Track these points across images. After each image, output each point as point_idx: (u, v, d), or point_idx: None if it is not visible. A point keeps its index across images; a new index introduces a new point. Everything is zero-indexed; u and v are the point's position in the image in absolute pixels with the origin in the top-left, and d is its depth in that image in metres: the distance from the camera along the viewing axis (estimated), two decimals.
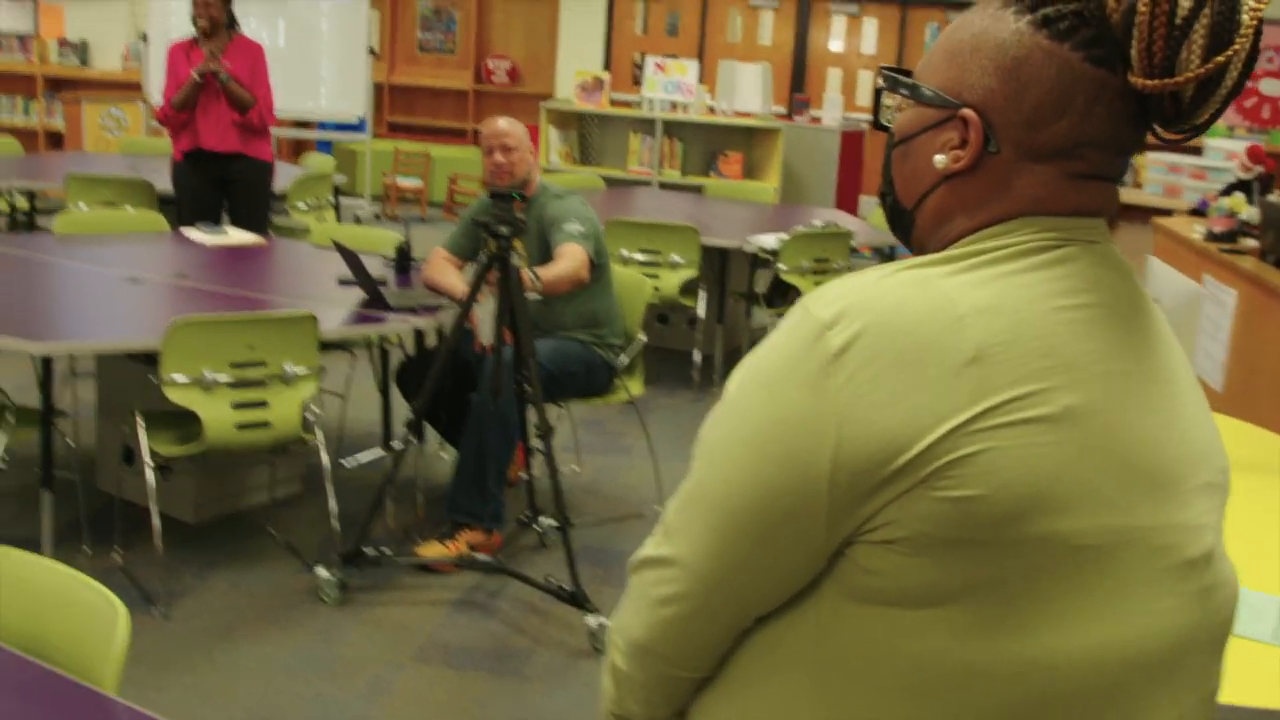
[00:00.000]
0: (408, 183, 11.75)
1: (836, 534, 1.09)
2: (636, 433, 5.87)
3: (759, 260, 6.61)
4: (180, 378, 3.75)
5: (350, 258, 4.46)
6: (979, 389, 1.06)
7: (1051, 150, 1.15)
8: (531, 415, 4.17)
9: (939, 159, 1.20)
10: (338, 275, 4.74)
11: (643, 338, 4.86)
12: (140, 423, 3.87)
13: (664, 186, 9.74)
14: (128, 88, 10.88)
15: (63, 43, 11.55)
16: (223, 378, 3.80)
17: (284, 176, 7.48)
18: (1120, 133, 1.16)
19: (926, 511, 1.05)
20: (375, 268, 4.93)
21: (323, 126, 11.89)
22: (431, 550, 4.24)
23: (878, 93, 1.32)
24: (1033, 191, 1.16)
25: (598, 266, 4.55)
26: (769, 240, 6.35)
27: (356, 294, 4.51)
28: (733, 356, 6.95)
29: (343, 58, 10.65)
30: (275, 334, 3.88)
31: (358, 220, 10.99)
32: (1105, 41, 1.12)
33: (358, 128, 11.29)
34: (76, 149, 9.94)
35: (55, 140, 11.22)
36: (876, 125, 1.34)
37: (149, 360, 3.84)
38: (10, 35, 11.78)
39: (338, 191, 7.65)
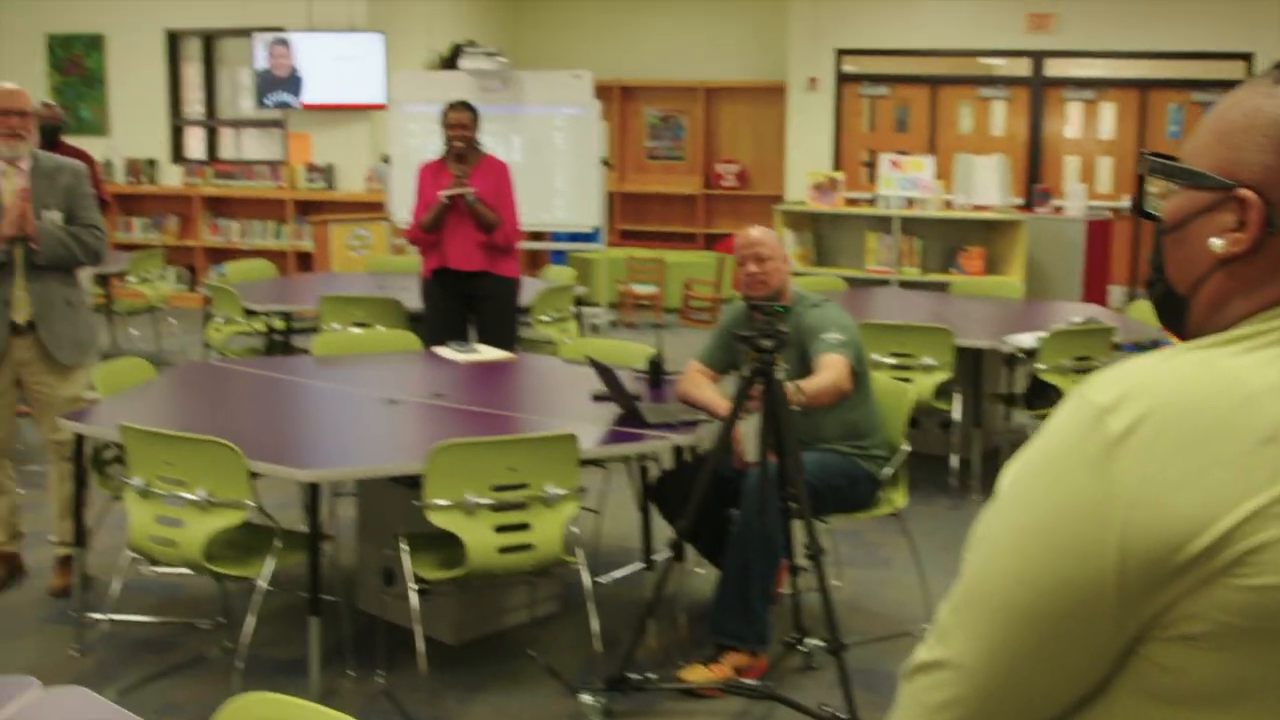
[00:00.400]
0: (643, 289, 11.80)
1: (1127, 628, 1.03)
2: (895, 543, 5.63)
3: (1014, 360, 6.33)
4: (443, 501, 3.72)
5: (606, 374, 4.40)
6: (1278, 469, 0.99)
7: None
8: (799, 532, 4.00)
9: (1215, 242, 1.14)
10: (591, 390, 4.68)
11: (907, 447, 4.65)
12: (404, 546, 3.85)
13: (904, 285, 9.53)
14: (371, 208, 11.23)
15: (310, 167, 12.03)
16: (484, 500, 3.75)
17: (527, 290, 7.55)
18: None
19: (1228, 602, 0.98)
20: (627, 381, 4.87)
21: (556, 237, 12.07)
22: (696, 674, 4.09)
23: (1140, 179, 1.26)
24: None
25: (858, 375, 4.38)
26: (1026, 339, 6.08)
27: (612, 410, 4.44)
28: (991, 461, 6.65)
29: (576, 169, 10.79)
30: (536, 455, 3.82)
31: (595, 329, 11.06)
32: None
33: (590, 237, 11.41)
34: (325, 269, 10.27)
35: (304, 261, 11.65)
36: (1140, 213, 1.27)
37: (410, 482, 3.82)
38: (263, 163, 12.34)
39: (579, 302, 7.67)
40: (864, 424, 4.49)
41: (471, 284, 6.52)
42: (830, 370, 4.15)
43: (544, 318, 7.17)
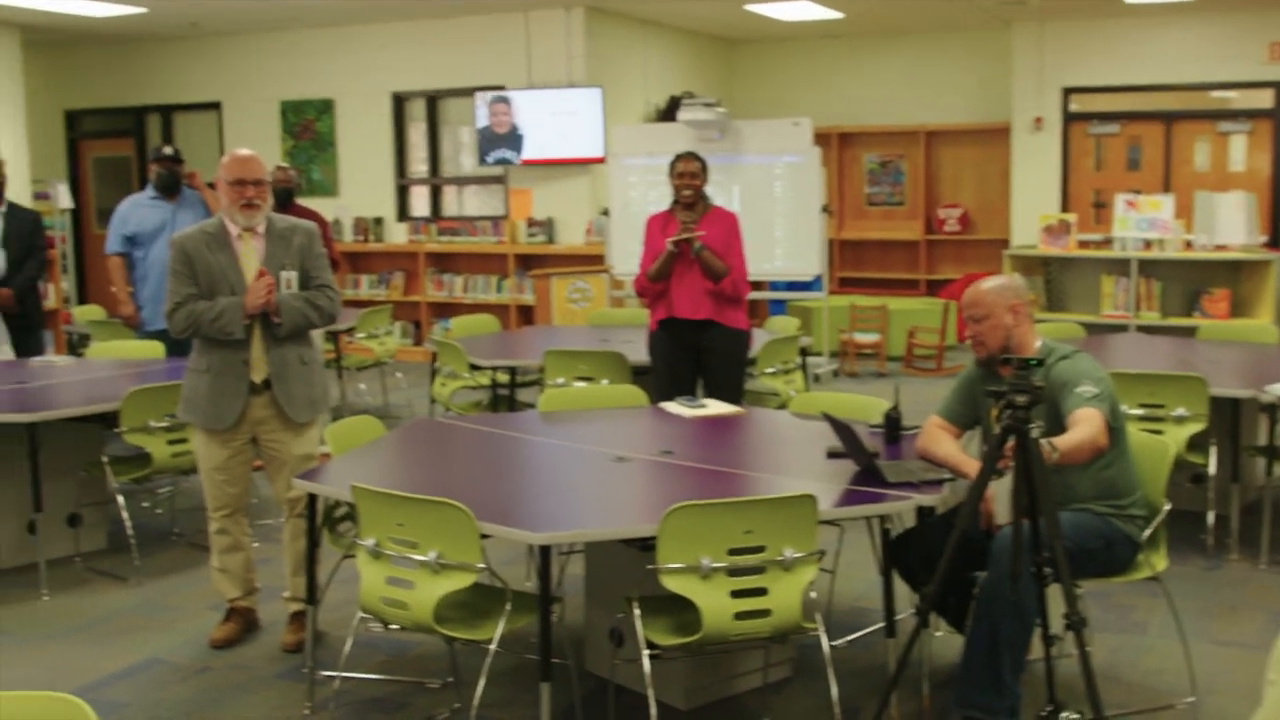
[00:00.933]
0: (865, 338, 11.54)
1: None
2: (1149, 606, 5.27)
3: (1275, 409, 5.90)
4: (677, 564, 3.58)
5: (843, 430, 4.21)
6: None
7: None
8: (1052, 598, 3.73)
9: None
10: (826, 446, 4.49)
11: (1167, 506, 4.33)
12: (637, 611, 3.72)
13: (1141, 330, 9.07)
14: (591, 260, 11.28)
15: (531, 222, 12.16)
16: (720, 564, 3.59)
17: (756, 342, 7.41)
18: None
19: None
20: (863, 437, 4.68)
21: (775, 286, 11.93)
22: None
23: None
24: None
25: (1114, 430, 4.09)
26: None
27: (848, 467, 4.24)
28: (1250, 517, 6.20)
29: (796, 217, 10.64)
30: (773, 517, 3.65)
31: (817, 379, 10.86)
32: None
33: (811, 285, 11.23)
34: (546, 322, 10.33)
35: (525, 314, 11.75)
36: None
37: (641, 543, 3.69)
38: (485, 218, 12.53)
39: (804, 353, 7.50)
40: (1121, 482, 4.19)
41: (699, 335, 6.43)
42: (1085, 425, 3.87)
43: (769, 369, 7.02)
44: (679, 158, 6.61)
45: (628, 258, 10.84)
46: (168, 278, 4.81)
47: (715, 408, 5.39)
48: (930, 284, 13.40)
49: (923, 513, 4.14)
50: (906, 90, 13.52)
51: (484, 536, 3.67)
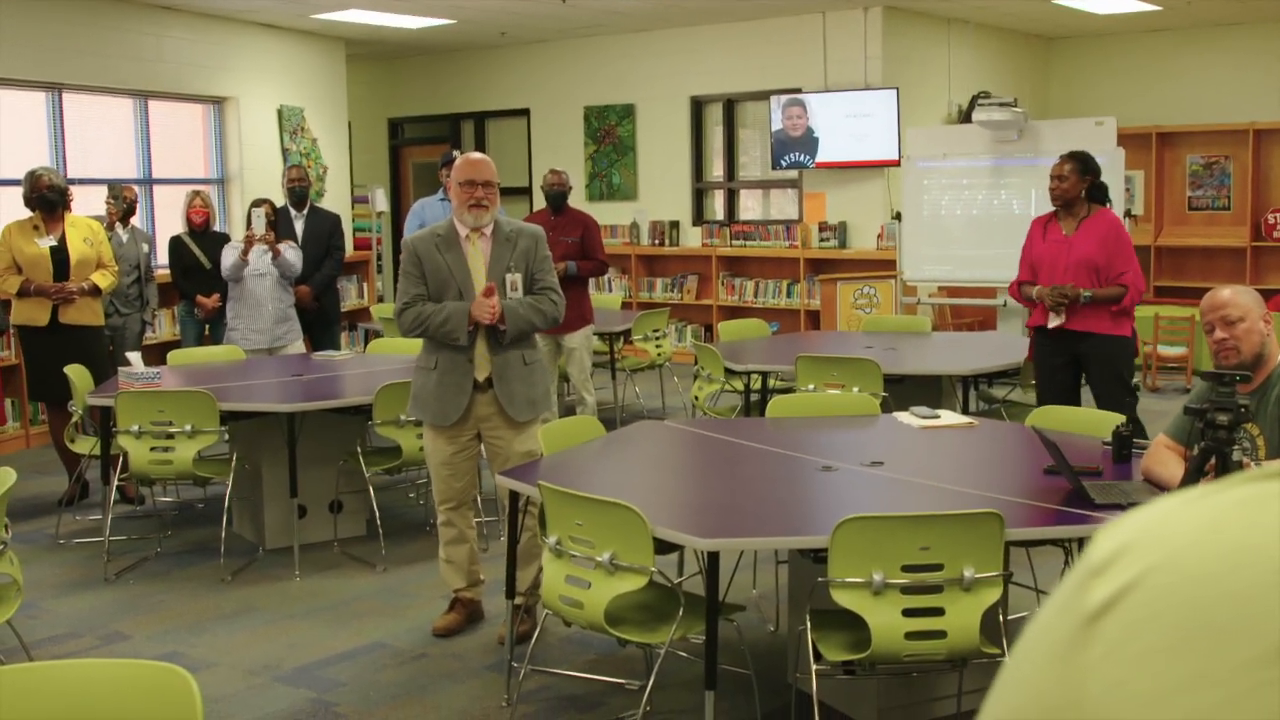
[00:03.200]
0: (1170, 351, 10.88)
1: None
2: None
3: None
4: (849, 578, 3.46)
5: (1051, 446, 3.97)
6: None
7: None
8: None
9: None
10: (1046, 464, 4.25)
11: None
12: (808, 623, 3.62)
13: None
14: (882, 265, 11.07)
15: (823, 226, 12.05)
16: (894, 580, 3.45)
17: (1019, 349, 7.10)
18: None
19: None
20: (1092, 454, 4.41)
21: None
22: None
23: None
24: None
25: None
26: None
27: (1062, 486, 4.01)
28: None
29: None
30: (953, 534, 3.48)
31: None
32: None
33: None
34: (831, 328, 10.20)
35: (813, 319, 11.65)
36: None
37: (814, 556, 3.59)
38: (777, 222, 12.50)
39: None
40: None
41: (1079, 341, 6.24)
42: None
43: (1033, 381, 6.71)
44: (1059, 159, 6.41)
45: (919, 263, 10.59)
46: (400, 277, 5.01)
47: (948, 419, 5.19)
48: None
49: None
50: (1232, 86, 12.66)
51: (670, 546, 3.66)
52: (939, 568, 3.48)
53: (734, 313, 12.25)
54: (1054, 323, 6.17)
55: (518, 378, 4.97)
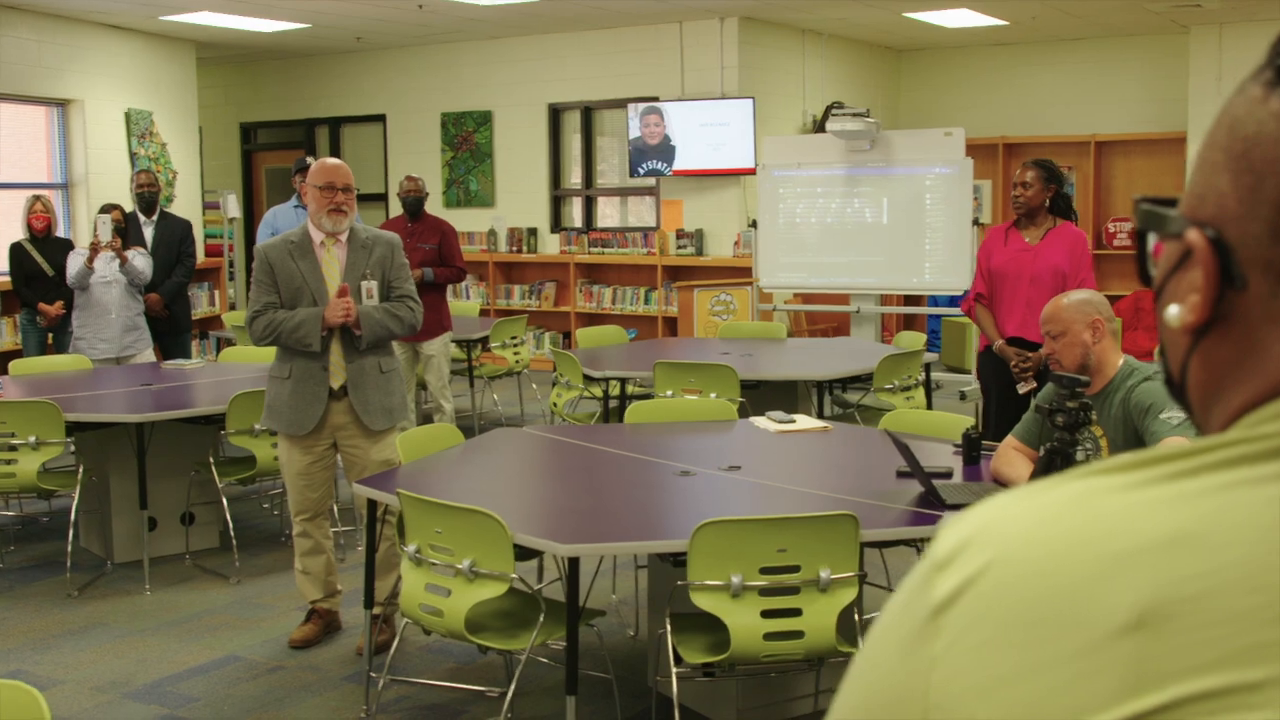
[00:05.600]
0: None
1: None
2: None
3: None
4: (707, 581, 3.50)
5: (903, 449, 4.05)
6: (1137, 675, 0.63)
7: None
8: None
9: (1172, 311, 0.79)
10: (898, 466, 4.34)
11: None
12: (668, 626, 3.65)
13: None
14: (739, 273, 11.19)
15: (680, 234, 12.14)
16: (751, 583, 3.50)
17: (878, 356, 7.24)
18: None
19: None
20: (943, 456, 4.51)
21: (934, 301, 11.65)
22: None
23: (1139, 235, 0.85)
24: None
25: None
26: None
27: (915, 488, 4.09)
28: None
29: (947, 230, 10.37)
30: (811, 536, 3.53)
31: (963, 396, 10.57)
32: None
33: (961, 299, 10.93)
34: (688, 334, 10.28)
35: (671, 326, 11.73)
36: (1143, 278, 0.86)
37: (674, 559, 3.62)
38: (635, 230, 12.56)
39: (928, 369, 7.29)
40: None
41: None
42: None
43: (886, 385, 6.85)
44: (1022, 166, 6.16)
45: (775, 270, 10.73)
46: (251, 286, 4.92)
47: (803, 423, 5.27)
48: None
49: None
50: (1075, 99, 13.07)
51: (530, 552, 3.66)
52: (796, 569, 3.53)
53: (592, 320, 12.28)
54: (1024, 389, 5.87)
55: (374, 385, 4.92)
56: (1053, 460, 3.37)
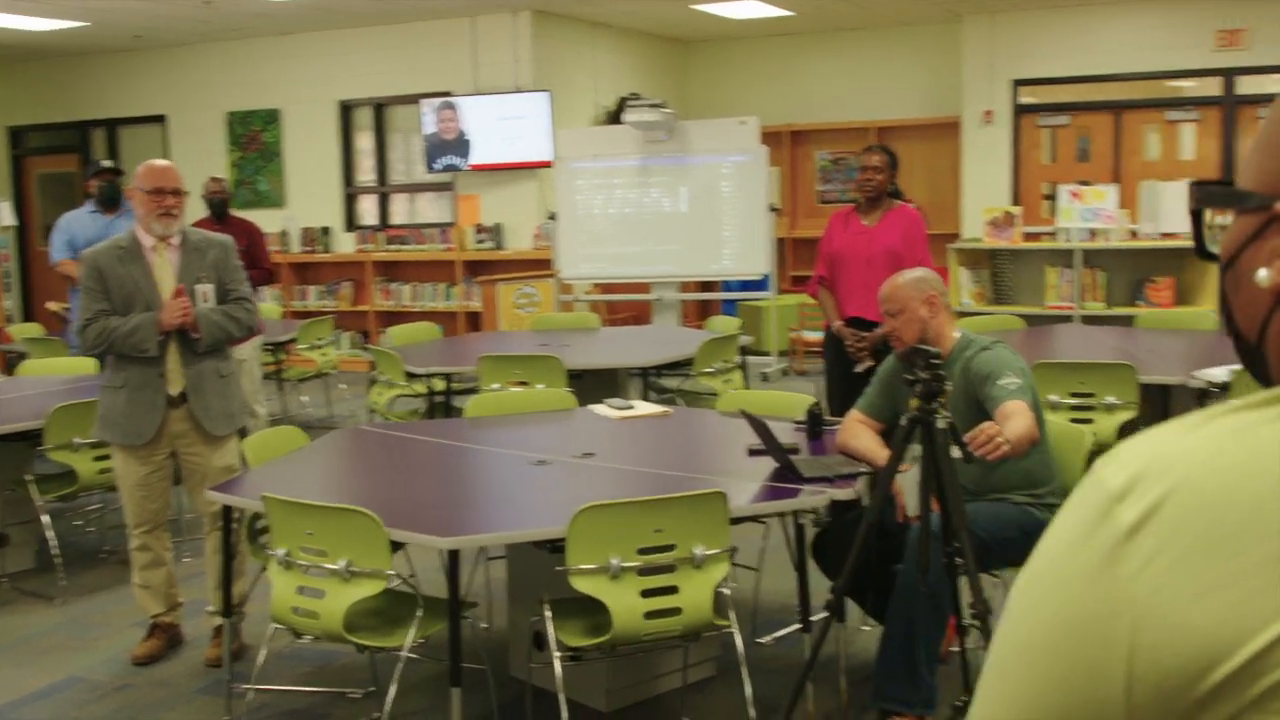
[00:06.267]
0: (815, 336, 11.54)
1: None
2: None
3: (1205, 395, 5.90)
4: (586, 565, 3.55)
5: (759, 427, 4.18)
6: None
7: None
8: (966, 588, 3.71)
9: (1262, 275, 0.91)
10: (748, 445, 4.46)
11: None
12: (548, 613, 3.69)
13: (1086, 320, 9.08)
14: (539, 265, 11.23)
15: (479, 228, 12.12)
16: (630, 564, 3.56)
17: (690, 341, 7.39)
18: None
19: None
20: (785, 433, 4.65)
21: (727, 287, 11.90)
22: None
23: (1195, 214, 1.01)
24: None
25: (1038, 420, 4.07)
26: (1219, 373, 5.65)
27: (768, 464, 4.22)
28: None
29: (745, 217, 10.62)
30: (683, 515, 3.62)
31: (765, 379, 10.84)
32: None
33: (760, 285, 11.22)
34: (493, 328, 10.28)
35: (474, 321, 11.70)
36: (1201, 253, 1.02)
37: (552, 546, 3.66)
38: (432, 226, 12.48)
39: (744, 352, 7.47)
40: (1040, 471, 4.18)
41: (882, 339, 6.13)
42: (1021, 418, 3.82)
43: (708, 369, 7.00)
44: (866, 150, 6.43)
45: (576, 261, 10.82)
46: (80, 294, 4.75)
47: (642, 409, 5.36)
48: None
49: (840, 508, 4.13)
50: (857, 86, 13.52)
51: (397, 545, 3.64)
52: (672, 548, 3.61)
53: (392, 318, 12.16)
54: (861, 368, 6.08)
55: (213, 391, 4.81)
56: (913, 428, 3.52)
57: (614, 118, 12.36)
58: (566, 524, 3.52)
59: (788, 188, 13.60)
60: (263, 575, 4.24)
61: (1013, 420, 3.81)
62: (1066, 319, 9.17)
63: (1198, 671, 0.76)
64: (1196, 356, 6.38)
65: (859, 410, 4.44)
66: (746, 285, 11.73)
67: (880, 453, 4.14)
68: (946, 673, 4.12)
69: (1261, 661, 0.74)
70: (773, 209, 10.75)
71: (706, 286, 12.21)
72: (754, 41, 13.88)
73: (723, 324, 8.12)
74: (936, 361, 3.51)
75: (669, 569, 3.62)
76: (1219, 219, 1.01)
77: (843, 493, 3.92)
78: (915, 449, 3.61)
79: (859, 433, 4.32)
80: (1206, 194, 0.99)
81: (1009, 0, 11.76)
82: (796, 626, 4.74)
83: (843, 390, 6.24)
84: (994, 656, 0.89)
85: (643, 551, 3.59)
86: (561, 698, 3.66)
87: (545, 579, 3.93)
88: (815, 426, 4.71)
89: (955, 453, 3.55)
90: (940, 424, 3.48)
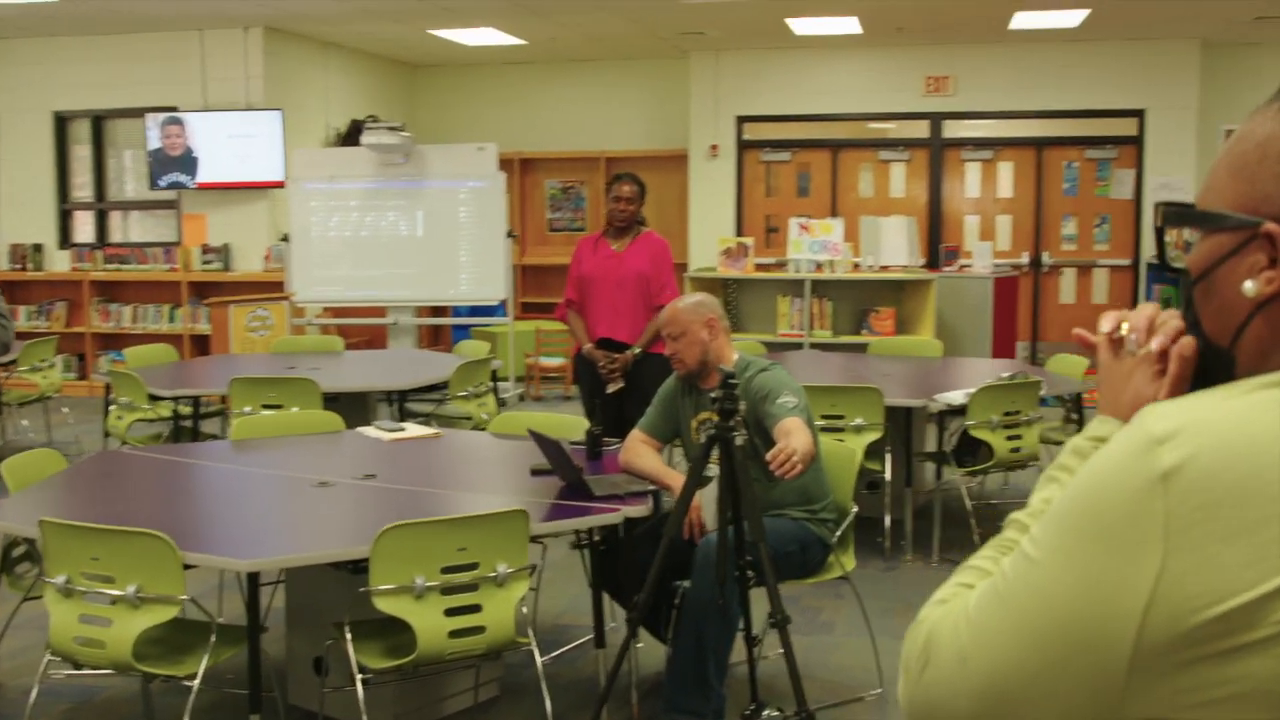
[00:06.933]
0: (551, 361, 11.66)
1: (1143, 680, 0.95)
2: (834, 608, 5.54)
3: (945, 417, 6.30)
4: (390, 585, 3.53)
5: (550, 446, 4.25)
6: None
7: None
8: (761, 602, 3.87)
9: (1248, 286, 1.06)
10: (530, 465, 4.52)
11: (855, 509, 4.56)
12: (348, 635, 3.65)
13: (815, 347, 9.51)
14: (271, 288, 10.97)
15: (205, 248, 11.75)
16: (434, 583, 3.57)
17: (443, 365, 7.39)
18: None
19: (1273, 671, 0.91)
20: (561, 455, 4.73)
21: (458, 313, 11.87)
22: None
23: (1159, 231, 1.18)
24: None
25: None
26: (956, 396, 6.05)
27: (553, 483, 4.29)
28: (922, 520, 6.59)
29: (482, 242, 10.67)
30: (486, 533, 3.65)
31: (503, 404, 10.87)
32: None
33: (493, 310, 11.27)
34: (223, 351, 9.97)
35: (200, 344, 11.33)
36: (1163, 267, 1.22)
37: (351, 567, 3.63)
38: (156, 245, 12.03)
39: (495, 376, 7.52)
40: (815, 488, 4.39)
41: (635, 362, 6.48)
42: (802, 433, 4.01)
43: (461, 393, 7.01)
44: (616, 179, 6.62)
45: (309, 284, 10.63)
46: None
47: (413, 430, 5.35)
48: None
49: (623, 526, 4.23)
50: (588, 117, 13.75)
51: (187, 567, 3.54)
52: (475, 566, 3.64)
53: (111, 340, 11.65)
54: (613, 389, 6.39)
55: None
56: (711, 445, 3.65)
57: (346, 139, 12.21)
58: (369, 544, 3.49)
59: (517, 215, 13.69)
60: (19, 607, 4.05)
61: (794, 436, 3.99)
62: (797, 346, 9.57)
63: (1212, 599, 0.91)
64: (927, 381, 6.80)
65: (640, 430, 4.56)
66: (477, 311, 11.73)
67: (666, 470, 4.28)
68: (733, 684, 4.27)
69: (1267, 605, 0.89)
70: (510, 235, 10.83)
71: (438, 311, 12.16)
72: (486, 69, 13.95)
73: (473, 348, 8.14)
74: (734, 382, 3.65)
75: (472, 587, 3.64)
76: (1185, 236, 1.17)
77: (636, 510, 4.03)
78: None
79: (643, 452, 4.44)
80: (1182, 215, 1.14)
81: (734, 39, 12.20)
82: (580, 642, 4.82)
83: (603, 410, 6.38)
84: (1032, 552, 1.03)
85: (446, 570, 3.60)
86: (362, 712, 3.62)
87: (331, 602, 3.90)
88: (594, 447, 4.80)
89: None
90: (739, 440, 3.63)
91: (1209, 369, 1.14)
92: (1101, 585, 0.96)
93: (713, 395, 3.66)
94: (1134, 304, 11.95)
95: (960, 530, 6.44)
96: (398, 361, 8.42)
